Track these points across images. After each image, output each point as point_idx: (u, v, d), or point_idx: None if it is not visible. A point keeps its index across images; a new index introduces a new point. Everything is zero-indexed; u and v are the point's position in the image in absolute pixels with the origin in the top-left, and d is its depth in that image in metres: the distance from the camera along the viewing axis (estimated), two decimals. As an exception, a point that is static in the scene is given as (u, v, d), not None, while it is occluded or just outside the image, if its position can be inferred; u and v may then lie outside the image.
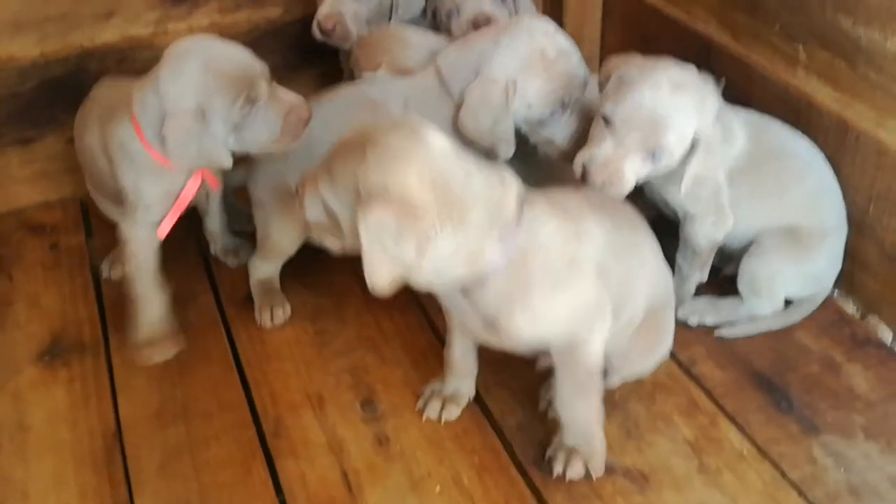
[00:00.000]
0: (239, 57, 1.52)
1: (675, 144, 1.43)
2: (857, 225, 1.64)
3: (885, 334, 1.64)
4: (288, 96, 1.55)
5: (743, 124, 1.58)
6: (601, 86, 1.52)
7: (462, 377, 1.51)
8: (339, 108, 1.65)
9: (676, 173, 1.49)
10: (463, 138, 1.59)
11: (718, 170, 1.55)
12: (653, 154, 1.43)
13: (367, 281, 1.19)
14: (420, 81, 1.66)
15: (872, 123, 1.58)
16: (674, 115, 1.41)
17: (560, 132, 1.62)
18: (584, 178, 1.44)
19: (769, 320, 1.65)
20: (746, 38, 1.82)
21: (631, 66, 1.47)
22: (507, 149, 1.60)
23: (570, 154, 1.56)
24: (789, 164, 1.61)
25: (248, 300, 1.77)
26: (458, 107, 1.59)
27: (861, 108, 1.60)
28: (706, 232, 1.61)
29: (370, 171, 1.16)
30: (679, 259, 1.66)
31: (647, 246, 1.43)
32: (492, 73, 1.56)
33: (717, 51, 1.88)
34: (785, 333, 1.64)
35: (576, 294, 1.28)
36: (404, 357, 1.65)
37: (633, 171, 1.44)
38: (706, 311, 1.66)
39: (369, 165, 1.16)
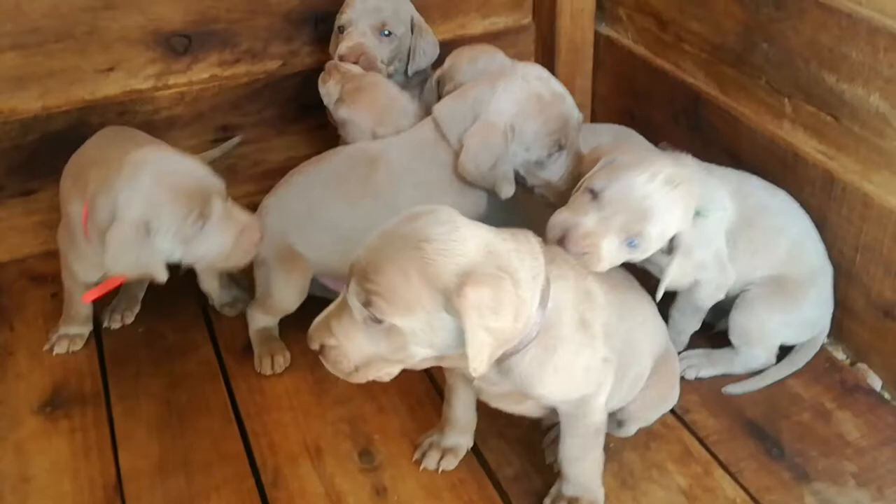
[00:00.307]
0: (196, 173, 1.54)
1: (655, 239, 1.41)
2: (845, 274, 1.67)
3: (874, 381, 1.66)
4: (241, 216, 1.58)
5: (728, 192, 1.60)
6: (587, 168, 1.50)
7: (462, 431, 1.53)
8: (338, 167, 1.70)
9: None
10: (463, 182, 1.63)
11: (717, 239, 1.57)
12: (632, 241, 1.40)
13: (473, 369, 1.14)
14: (417, 133, 1.71)
15: (857, 176, 1.62)
16: (662, 209, 1.39)
17: (557, 173, 1.66)
18: (560, 243, 1.39)
19: (774, 371, 1.66)
20: (734, 90, 1.87)
21: (626, 152, 1.47)
22: (509, 188, 1.64)
23: (566, 196, 1.58)
24: (772, 218, 1.63)
25: (248, 350, 1.79)
26: (458, 152, 1.63)
27: (846, 161, 1.64)
28: (710, 294, 1.62)
29: (440, 267, 1.11)
30: (676, 314, 1.68)
31: (646, 303, 1.47)
32: (490, 117, 1.60)
33: (706, 102, 1.93)
34: (776, 382, 1.67)
35: (591, 354, 1.29)
36: (401, 406, 1.66)
37: (609, 252, 1.39)
38: (702, 365, 1.68)
39: (435, 262, 1.11)
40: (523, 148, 1.62)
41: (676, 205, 1.40)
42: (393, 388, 1.70)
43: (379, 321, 1.14)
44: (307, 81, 2.16)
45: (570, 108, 1.64)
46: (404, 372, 1.75)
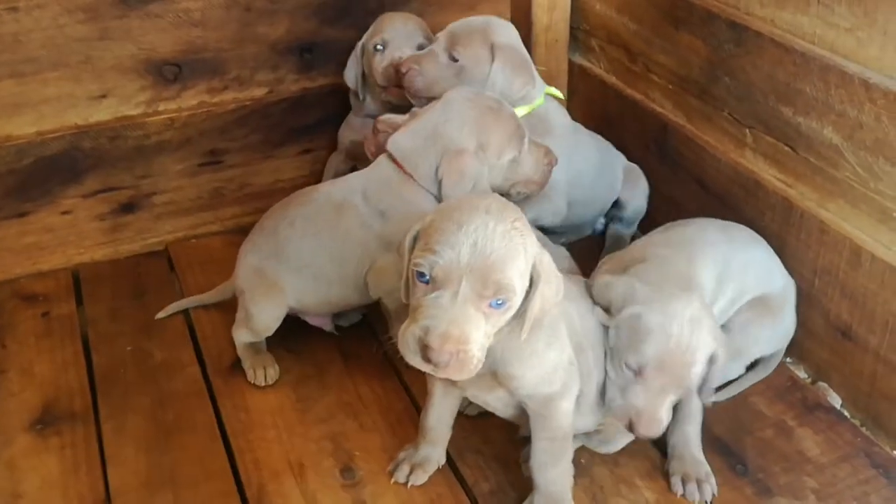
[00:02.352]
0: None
1: (699, 373, 1.40)
2: (805, 297, 1.69)
3: (834, 399, 1.68)
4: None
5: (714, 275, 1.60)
6: (598, 296, 1.46)
7: (434, 444, 1.52)
8: (305, 211, 1.71)
9: None
10: None
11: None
12: (682, 387, 1.40)
13: (524, 332, 1.25)
14: (376, 173, 1.70)
15: (814, 203, 1.64)
16: (700, 351, 1.37)
17: (531, 165, 1.69)
18: (630, 429, 1.40)
19: (739, 382, 1.68)
20: (699, 120, 1.89)
21: (646, 306, 1.39)
22: None
23: (542, 185, 1.70)
24: (739, 255, 1.64)
25: (234, 370, 1.78)
26: (428, 188, 1.63)
27: (804, 189, 1.66)
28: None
29: (532, 244, 1.23)
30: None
31: None
32: (457, 145, 1.61)
33: (673, 130, 1.95)
34: (741, 398, 1.68)
35: (559, 350, 1.34)
36: (382, 423, 1.66)
37: (668, 411, 1.40)
38: None
39: (529, 241, 1.22)
40: (496, 157, 1.65)
41: (707, 337, 1.38)
42: (374, 406, 1.70)
43: (502, 305, 1.19)
44: (293, 108, 2.18)
45: (510, 108, 1.69)
46: (385, 390, 1.78)
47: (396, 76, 1.95)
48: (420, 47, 1.99)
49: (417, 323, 1.18)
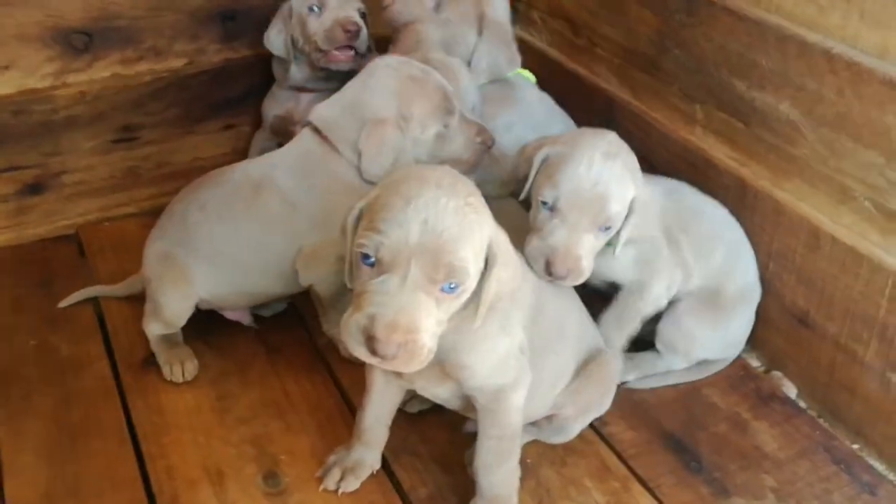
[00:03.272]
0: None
1: (620, 213, 1.33)
2: (760, 282, 1.56)
3: (790, 389, 1.55)
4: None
5: (661, 190, 1.48)
6: (521, 169, 1.42)
7: (369, 447, 1.35)
8: (219, 192, 1.52)
9: (616, 260, 1.41)
10: (364, 187, 1.47)
11: (656, 229, 1.45)
12: (603, 228, 1.33)
13: (479, 316, 1.11)
14: (298, 147, 1.52)
15: (769, 183, 1.51)
16: (614, 185, 1.31)
17: (460, 143, 1.52)
18: (548, 272, 1.31)
19: (679, 374, 1.55)
20: (647, 96, 1.74)
21: (557, 145, 1.36)
22: None
23: (474, 165, 1.54)
24: (707, 224, 1.51)
25: (147, 364, 1.58)
26: (351, 161, 1.47)
27: (757, 168, 1.53)
28: (657, 295, 1.49)
29: (487, 222, 1.10)
30: (609, 321, 1.51)
31: (571, 294, 1.37)
32: (377, 114, 1.45)
33: (620, 107, 1.80)
34: (693, 390, 1.54)
35: (512, 336, 1.20)
36: (310, 423, 1.48)
37: (588, 253, 1.33)
38: (627, 369, 1.53)
39: (484, 218, 1.09)
40: (420, 131, 1.48)
41: (624, 173, 1.32)
42: (302, 405, 1.52)
43: (455, 290, 1.05)
44: (214, 80, 1.97)
45: (440, 78, 1.52)
46: (314, 387, 1.59)
47: (345, 36, 1.78)
48: (361, 13, 1.82)
49: (362, 311, 1.03)
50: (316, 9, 1.80)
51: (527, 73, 1.81)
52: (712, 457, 1.42)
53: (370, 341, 1.02)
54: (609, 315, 1.50)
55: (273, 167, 1.52)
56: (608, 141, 1.35)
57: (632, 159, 1.37)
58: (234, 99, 2.02)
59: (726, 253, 1.52)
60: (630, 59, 1.75)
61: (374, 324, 1.01)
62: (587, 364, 1.38)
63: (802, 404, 1.53)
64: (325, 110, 1.50)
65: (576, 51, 1.91)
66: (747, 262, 1.54)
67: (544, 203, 1.34)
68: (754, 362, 1.62)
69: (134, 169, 1.99)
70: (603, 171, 1.31)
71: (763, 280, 1.55)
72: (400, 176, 1.08)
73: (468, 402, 1.25)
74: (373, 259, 1.03)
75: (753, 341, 1.60)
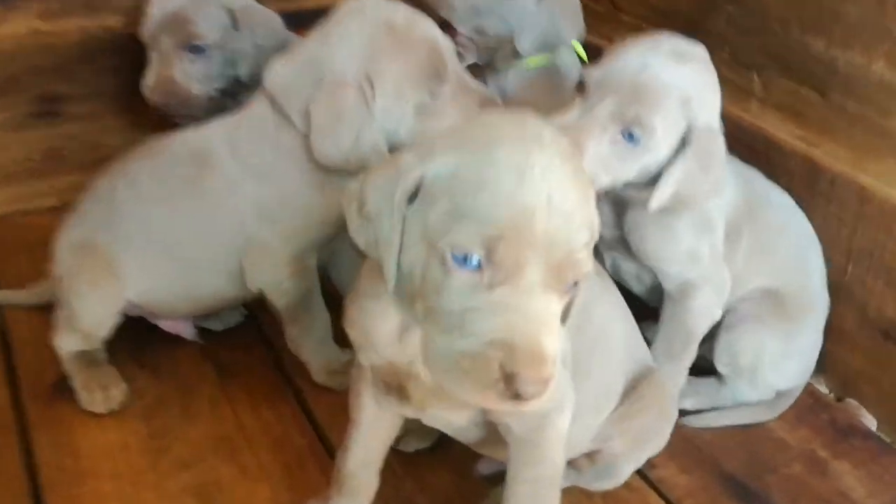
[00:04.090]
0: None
1: (661, 132, 1.02)
2: (833, 288, 1.25)
3: (869, 421, 1.25)
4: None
5: (731, 170, 1.17)
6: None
7: (353, 498, 1.00)
8: (154, 166, 1.20)
9: (666, 228, 1.09)
10: (320, 173, 1.15)
11: (718, 213, 1.14)
12: (629, 133, 1.03)
13: None
14: (249, 115, 1.20)
15: (850, 166, 1.21)
16: (666, 87, 1.02)
17: (452, 120, 1.17)
18: None
19: (749, 411, 1.23)
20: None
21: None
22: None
23: None
24: (774, 213, 1.21)
25: (58, 391, 1.22)
26: (306, 133, 1.14)
27: (834, 148, 1.23)
28: (707, 304, 1.17)
29: None
30: (659, 351, 1.19)
31: (615, 296, 1.05)
32: (334, 75, 1.11)
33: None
34: (754, 424, 1.23)
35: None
36: (274, 467, 1.12)
37: (597, 153, 1.03)
38: (685, 393, 1.22)
39: None
40: (394, 99, 1.14)
41: (687, 83, 1.03)
42: (262, 443, 1.16)
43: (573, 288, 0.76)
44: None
45: (432, 28, 1.18)
46: (279, 420, 1.20)
47: None
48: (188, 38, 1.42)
49: (476, 337, 0.71)
50: None
51: (579, 47, 1.51)
52: (790, 507, 1.11)
53: (510, 381, 0.69)
54: (657, 346, 1.19)
55: (218, 140, 1.19)
56: (693, 45, 1.07)
57: (713, 80, 1.08)
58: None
59: (793, 250, 1.22)
60: (664, 23, 1.44)
61: (514, 356, 0.69)
62: (637, 386, 1.06)
63: (886, 439, 1.23)
64: (280, 68, 1.17)
65: (595, 18, 1.61)
66: (816, 263, 1.24)
67: (581, 82, 1.08)
68: (822, 388, 1.31)
69: (56, 151, 1.66)
70: (660, 63, 1.03)
71: (838, 285, 1.24)
72: (476, 132, 0.75)
73: (492, 431, 0.92)
74: (477, 261, 0.71)
75: (821, 362, 1.29)
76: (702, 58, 1.08)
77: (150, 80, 1.42)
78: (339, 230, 1.22)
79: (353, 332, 0.90)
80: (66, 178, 1.63)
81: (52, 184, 1.65)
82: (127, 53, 1.59)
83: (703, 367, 1.24)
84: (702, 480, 1.14)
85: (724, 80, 1.36)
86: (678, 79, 1.03)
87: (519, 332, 0.69)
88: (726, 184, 1.14)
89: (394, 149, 1.13)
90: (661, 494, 1.11)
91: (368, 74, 1.12)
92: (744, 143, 1.33)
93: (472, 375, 0.70)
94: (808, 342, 1.23)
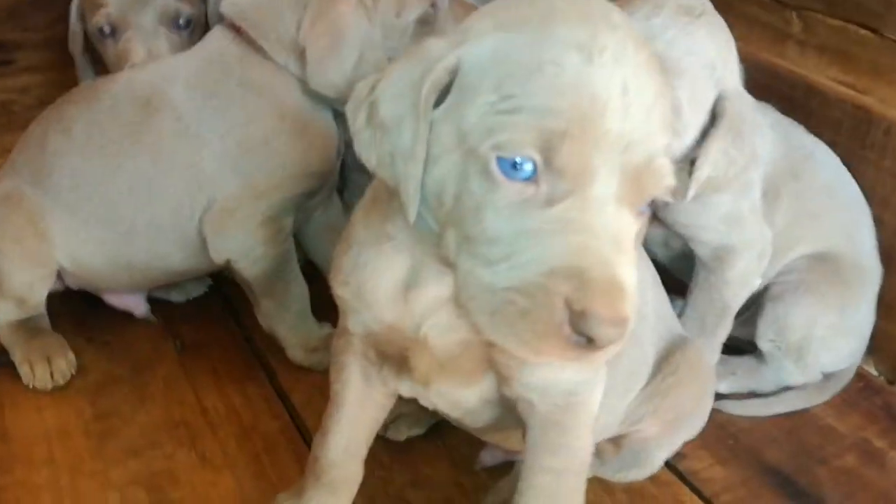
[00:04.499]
0: None
1: (689, 109, 0.85)
2: (883, 255, 1.09)
3: (926, 406, 1.09)
4: None
5: (768, 123, 1.01)
6: None
7: (333, 491, 0.83)
8: (94, 111, 1.03)
9: (701, 198, 0.91)
10: (299, 112, 1.00)
11: (756, 172, 0.98)
12: None
13: None
14: (205, 49, 1.04)
15: (907, 113, 1.06)
16: (684, 54, 0.84)
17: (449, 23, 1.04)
18: None
19: (792, 397, 1.06)
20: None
21: None
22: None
23: None
24: (820, 170, 1.06)
25: (-6, 364, 1.06)
26: (288, 63, 0.99)
27: (890, 91, 1.07)
28: (747, 272, 1.00)
29: None
30: (689, 325, 1.02)
31: (643, 263, 0.86)
32: None
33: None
34: (798, 410, 1.06)
35: None
36: (240, 455, 0.96)
37: None
38: (719, 374, 1.05)
39: None
40: (393, 13, 1.01)
41: (706, 44, 0.86)
42: (227, 428, 1.00)
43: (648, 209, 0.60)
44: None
45: None
46: (247, 401, 1.02)
47: None
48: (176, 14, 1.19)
49: (539, 264, 0.54)
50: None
51: None
52: (843, 502, 0.94)
53: (580, 321, 0.52)
54: (687, 320, 1.02)
55: (170, 78, 1.02)
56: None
57: (728, 32, 0.91)
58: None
59: (843, 212, 1.07)
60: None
61: (585, 287, 0.53)
62: (669, 358, 0.89)
63: (947, 427, 1.07)
64: None
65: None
66: (867, 228, 1.09)
67: None
68: (871, 370, 1.15)
69: (6, 105, 1.47)
70: (671, 29, 0.85)
71: (891, 252, 1.09)
72: (525, 10, 0.58)
73: (505, 413, 0.75)
74: (532, 167, 0.54)
75: (871, 342, 1.13)
76: (710, 7, 0.92)
77: (138, 60, 1.24)
78: (321, 183, 1.06)
79: (343, 290, 0.72)
80: (16, 137, 1.43)
81: (1, 142, 1.47)
82: (57, 7, 1.42)
83: (733, 347, 1.09)
84: (741, 473, 0.98)
85: (755, 22, 1.23)
86: (695, 40, 0.87)
87: (590, 256, 0.53)
88: (763, 137, 0.97)
89: None
90: (693, 489, 0.95)
91: None
92: (780, 93, 1.17)
93: (529, 317, 0.53)
94: (862, 317, 1.07)
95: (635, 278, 0.55)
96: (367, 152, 0.61)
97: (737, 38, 1.23)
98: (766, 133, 0.99)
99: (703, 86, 0.87)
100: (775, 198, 1.03)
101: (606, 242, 0.53)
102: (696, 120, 0.88)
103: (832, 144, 1.11)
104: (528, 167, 0.54)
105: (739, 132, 0.89)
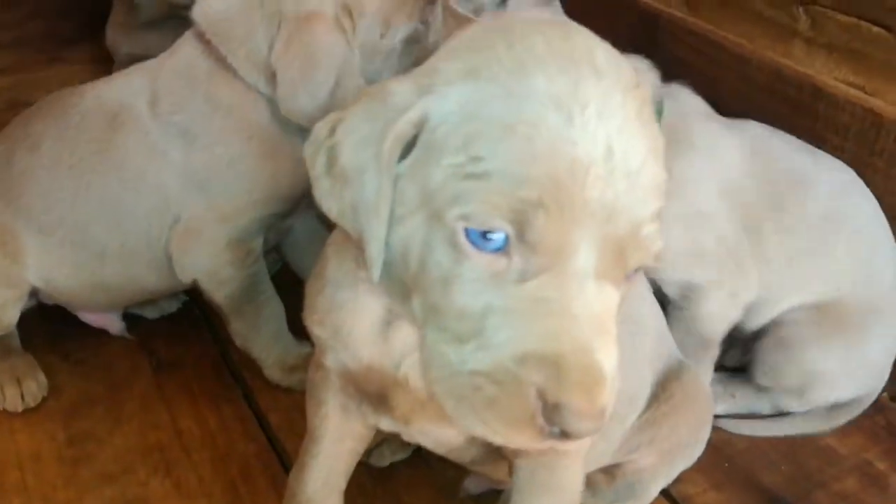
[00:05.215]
0: None
1: None
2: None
3: (932, 425, 1.06)
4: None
5: (738, 143, 0.97)
6: None
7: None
8: (59, 125, 0.99)
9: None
10: (267, 135, 0.95)
11: (709, 201, 0.93)
12: None
13: None
14: (173, 60, 0.98)
15: (921, 117, 1.01)
16: None
17: (435, 39, 0.98)
18: None
19: (798, 421, 1.02)
20: (709, 5, 1.23)
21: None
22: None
23: None
24: (823, 202, 0.99)
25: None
26: (258, 83, 0.93)
27: (900, 96, 1.03)
28: (718, 311, 0.97)
29: None
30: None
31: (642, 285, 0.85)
32: (303, 7, 0.90)
33: (667, 21, 1.28)
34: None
35: None
36: (216, 482, 0.93)
37: None
38: (717, 395, 1.02)
39: None
40: (378, 31, 0.93)
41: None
42: (203, 452, 0.97)
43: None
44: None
45: None
46: (222, 423, 0.99)
47: None
48: None
49: (506, 349, 0.51)
50: None
51: None
52: (842, 531, 0.92)
53: (553, 414, 0.49)
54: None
55: (136, 91, 0.97)
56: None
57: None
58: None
59: (855, 245, 1.00)
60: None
61: (560, 378, 0.49)
62: (666, 384, 0.86)
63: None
64: (215, 2, 0.94)
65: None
66: (885, 255, 1.02)
67: None
68: (876, 386, 1.12)
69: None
70: None
71: (898, 264, 1.04)
72: (499, 49, 0.52)
73: (491, 450, 0.72)
74: (504, 239, 0.50)
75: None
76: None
77: None
78: (293, 206, 1.01)
79: (318, 330, 0.69)
80: None
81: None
82: (52, 1, 1.39)
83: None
84: (736, 498, 0.95)
85: (759, 18, 1.17)
86: None
87: (567, 342, 0.49)
88: (721, 161, 0.94)
89: None
90: (678, 508, 0.93)
91: (346, 3, 0.91)
92: (785, 95, 1.12)
93: (498, 406, 0.50)
94: (877, 350, 1.01)
95: (616, 358, 0.51)
96: (328, 202, 0.57)
97: (739, 36, 1.20)
98: (723, 159, 0.95)
99: None
100: (757, 233, 0.97)
101: (585, 325, 0.49)
102: None
103: (838, 150, 1.06)
104: (499, 237, 0.49)
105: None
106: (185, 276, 0.99)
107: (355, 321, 0.66)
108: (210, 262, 0.98)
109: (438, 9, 0.97)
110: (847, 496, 0.96)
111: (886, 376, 1.04)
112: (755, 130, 1.00)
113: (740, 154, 0.97)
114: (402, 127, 0.52)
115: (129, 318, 1.14)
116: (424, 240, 0.52)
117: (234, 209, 0.96)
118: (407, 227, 0.53)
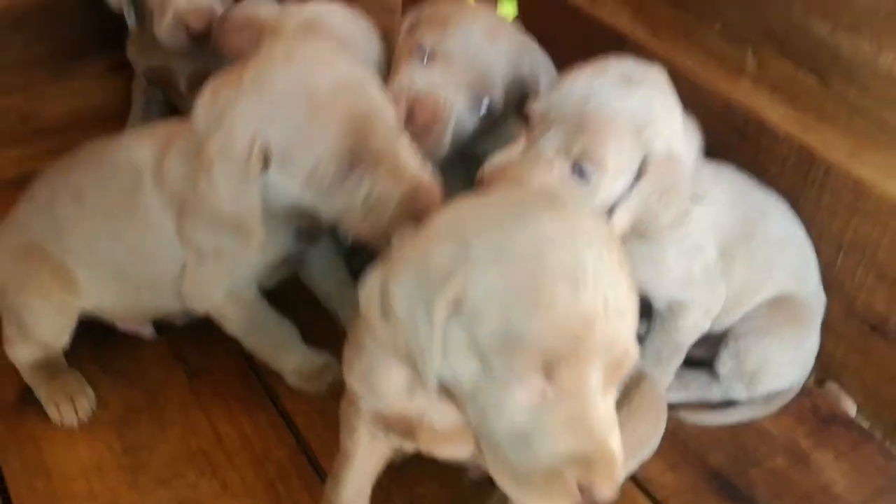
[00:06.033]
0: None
1: (613, 165, 0.96)
2: (823, 278, 1.24)
3: (849, 407, 1.26)
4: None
5: (723, 187, 1.14)
6: None
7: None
8: (95, 175, 1.10)
9: (654, 259, 1.06)
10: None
11: (707, 245, 1.11)
12: (579, 169, 0.96)
13: None
14: (180, 135, 1.07)
15: (846, 154, 1.17)
16: (615, 115, 0.96)
17: (354, 204, 1.00)
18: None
19: (743, 410, 1.23)
20: (672, 35, 1.37)
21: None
22: (256, 233, 1.01)
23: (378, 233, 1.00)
24: (774, 226, 1.18)
25: (25, 402, 1.17)
26: None
27: (832, 135, 1.19)
28: (696, 323, 1.16)
29: None
30: (646, 354, 1.18)
31: None
32: (233, 125, 0.96)
33: (634, 50, 1.42)
34: (744, 417, 1.24)
35: None
36: (256, 482, 1.10)
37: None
38: (673, 387, 1.22)
39: None
40: (293, 179, 0.98)
41: (638, 108, 0.96)
42: (242, 455, 1.13)
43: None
44: (96, 3, 1.46)
45: (372, 98, 1.00)
46: (257, 429, 1.16)
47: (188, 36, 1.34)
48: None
49: (551, 455, 0.68)
50: None
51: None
52: (772, 502, 1.13)
53: (587, 490, 0.68)
54: (645, 351, 1.18)
55: (147, 154, 1.08)
56: (638, 65, 1.02)
57: (670, 103, 1.02)
58: (125, 28, 1.50)
59: (797, 259, 1.21)
60: (652, -10, 1.37)
61: (590, 469, 0.68)
62: (627, 391, 1.04)
63: (864, 424, 1.25)
64: (201, 107, 1.01)
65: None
66: (812, 267, 1.23)
67: (524, 113, 1.03)
68: (803, 372, 1.33)
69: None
70: (609, 92, 0.96)
71: (828, 278, 1.23)
72: (514, 230, 0.68)
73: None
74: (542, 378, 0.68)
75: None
76: (656, 80, 1.01)
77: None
78: (284, 265, 1.15)
79: (356, 386, 0.86)
80: (4, 153, 1.51)
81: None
82: (61, 18, 1.46)
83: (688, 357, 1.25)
84: (688, 477, 1.15)
85: (711, 55, 1.32)
86: (629, 105, 0.96)
87: (591, 444, 0.67)
88: (715, 204, 1.11)
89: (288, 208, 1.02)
90: (648, 494, 1.12)
91: (264, 143, 0.96)
92: (733, 125, 1.28)
93: (546, 489, 0.68)
94: (811, 345, 1.23)
95: (620, 442, 0.70)
96: (387, 342, 0.73)
97: (694, 67, 1.34)
98: (716, 201, 1.12)
99: (628, 146, 0.97)
100: (730, 259, 1.15)
101: (601, 428, 0.68)
102: (620, 177, 0.98)
103: (777, 178, 1.23)
104: (537, 380, 0.67)
105: (664, 192, 1.00)
106: (197, 310, 1.14)
107: (387, 383, 0.83)
108: (211, 304, 1.13)
109: (366, 173, 0.99)
110: (777, 472, 1.17)
111: (811, 368, 1.25)
112: (728, 173, 1.17)
113: (725, 196, 1.14)
114: (449, 294, 0.67)
115: (159, 324, 1.27)
116: (475, 374, 0.69)
117: (219, 274, 1.10)
118: (457, 363, 0.70)
